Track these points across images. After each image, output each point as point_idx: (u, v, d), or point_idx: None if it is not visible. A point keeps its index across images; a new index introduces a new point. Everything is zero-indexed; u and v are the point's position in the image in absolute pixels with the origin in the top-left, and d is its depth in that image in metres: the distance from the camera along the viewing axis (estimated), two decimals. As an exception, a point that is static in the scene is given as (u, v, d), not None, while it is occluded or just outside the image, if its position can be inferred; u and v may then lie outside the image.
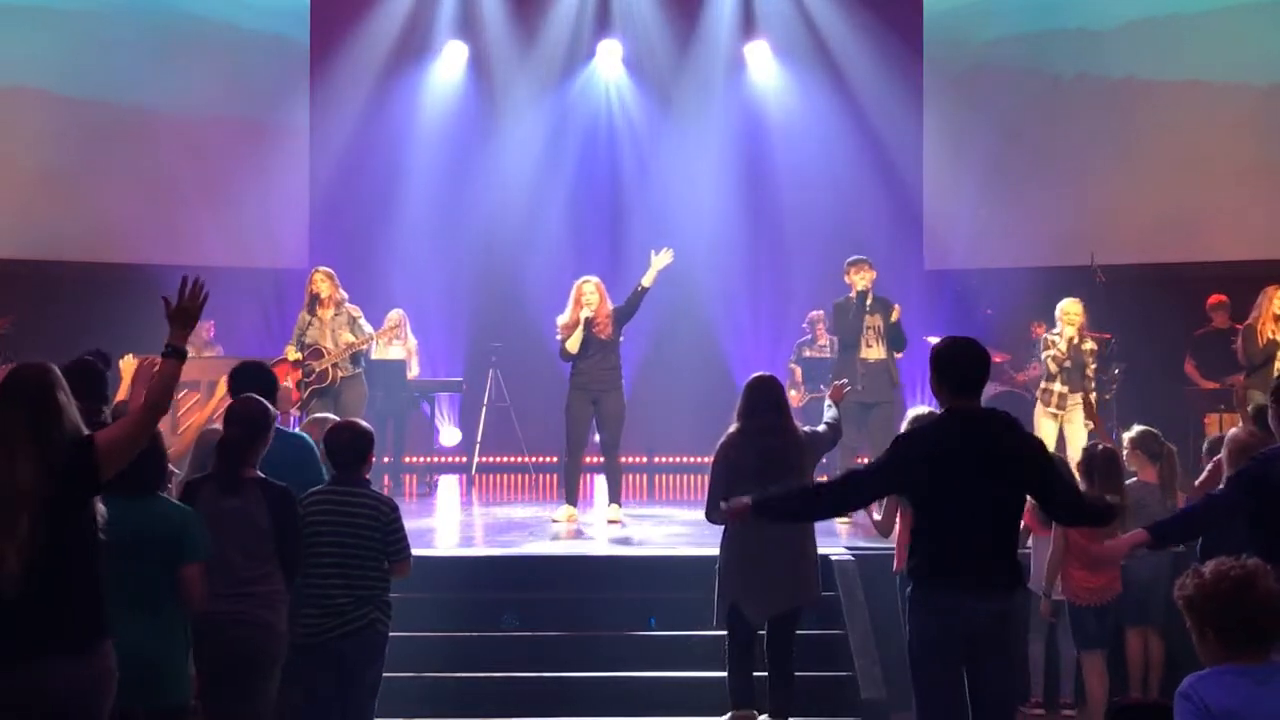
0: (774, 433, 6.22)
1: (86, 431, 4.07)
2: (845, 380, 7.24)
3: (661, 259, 9.38)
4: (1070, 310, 9.88)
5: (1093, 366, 9.82)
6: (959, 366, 4.82)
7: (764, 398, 6.28)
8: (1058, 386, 9.75)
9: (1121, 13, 13.11)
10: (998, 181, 13.18)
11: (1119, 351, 10.93)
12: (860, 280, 9.62)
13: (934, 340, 11.33)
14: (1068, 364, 9.72)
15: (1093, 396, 9.56)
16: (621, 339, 9.54)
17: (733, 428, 6.32)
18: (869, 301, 9.60)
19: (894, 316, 9.56)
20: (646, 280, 9.38)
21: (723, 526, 6.31)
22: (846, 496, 5.06)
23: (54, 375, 4.08)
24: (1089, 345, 9.86)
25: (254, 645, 5.09)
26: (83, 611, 3.99)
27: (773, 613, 6.25)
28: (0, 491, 3.87)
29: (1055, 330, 9.95)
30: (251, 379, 5.85)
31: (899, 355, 9.81)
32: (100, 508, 4.09)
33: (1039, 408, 9.83)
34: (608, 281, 9.72)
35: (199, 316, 4.33)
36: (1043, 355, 9.89)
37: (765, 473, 6.05)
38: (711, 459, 6.40)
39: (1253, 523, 4.96)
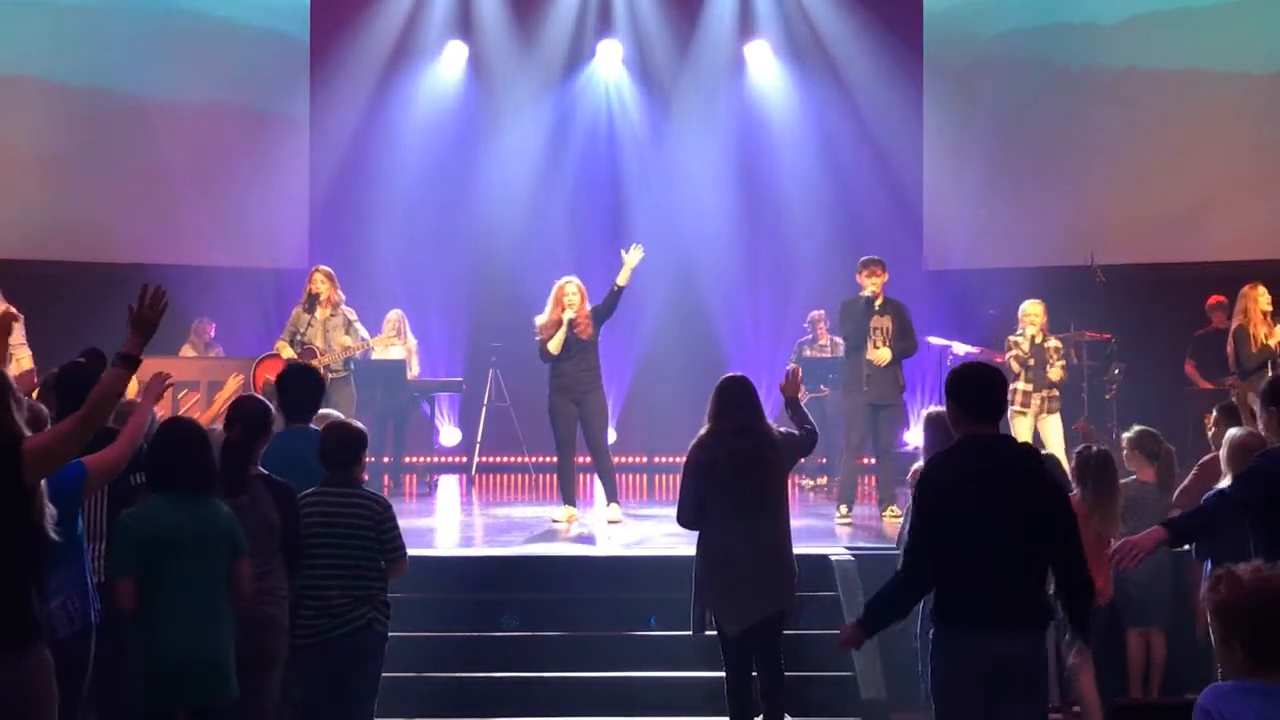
0: (746, 433, 6.07)
1: (28, 433, 4.05)
2: (797, 368, 7.11)
3: (633, 256, 9.32)
4: (1030, 311, 10.12)
5: (1060, 364, 9.94)
6: (975, 392, 4.63)
7: (734, 398, 6.14)
8: (1022, 385, 9.98)
9: (1124, 7, 13.11)
10: (998, 181, 13.17)
11: (1119, 351, 10.94)
12: (871, 283, 9.50)
13: (936, 341, 11.38)
14: (1031, 362, 9.96)
15: (1051, 393, 9.85)
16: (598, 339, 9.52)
17: (704, 429, 6.16)
18: (877, 303, 9.49)
19: (884, 361, 9.40)
20: (621, 279, 9.33)
21: (696, 532, 6.20)
22: (920, 567, 4.64)
23: None
24: (1052, 343, 10.02)
25: (256, 640, 5.10)
26: (12, 612, 3.95)
27: (747, 622, 6.03)
28: None
29: (1019, 331, 10.13)
30: (302, 383, 6.04)
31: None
32: (51, 509, 4.06)
33: (1010, 408, 9.91)
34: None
35: (157, 325, 4.29)
36: (1006, 356, 10.02)
37: (737, 473, 5.99)
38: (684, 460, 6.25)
39: (1255, 522, 4.93)
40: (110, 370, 4.17)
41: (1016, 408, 9.89)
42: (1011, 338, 10.15)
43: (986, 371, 4.78)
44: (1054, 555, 4.58)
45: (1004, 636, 4.47)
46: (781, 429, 6.37)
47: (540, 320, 9.41)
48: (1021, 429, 9.83)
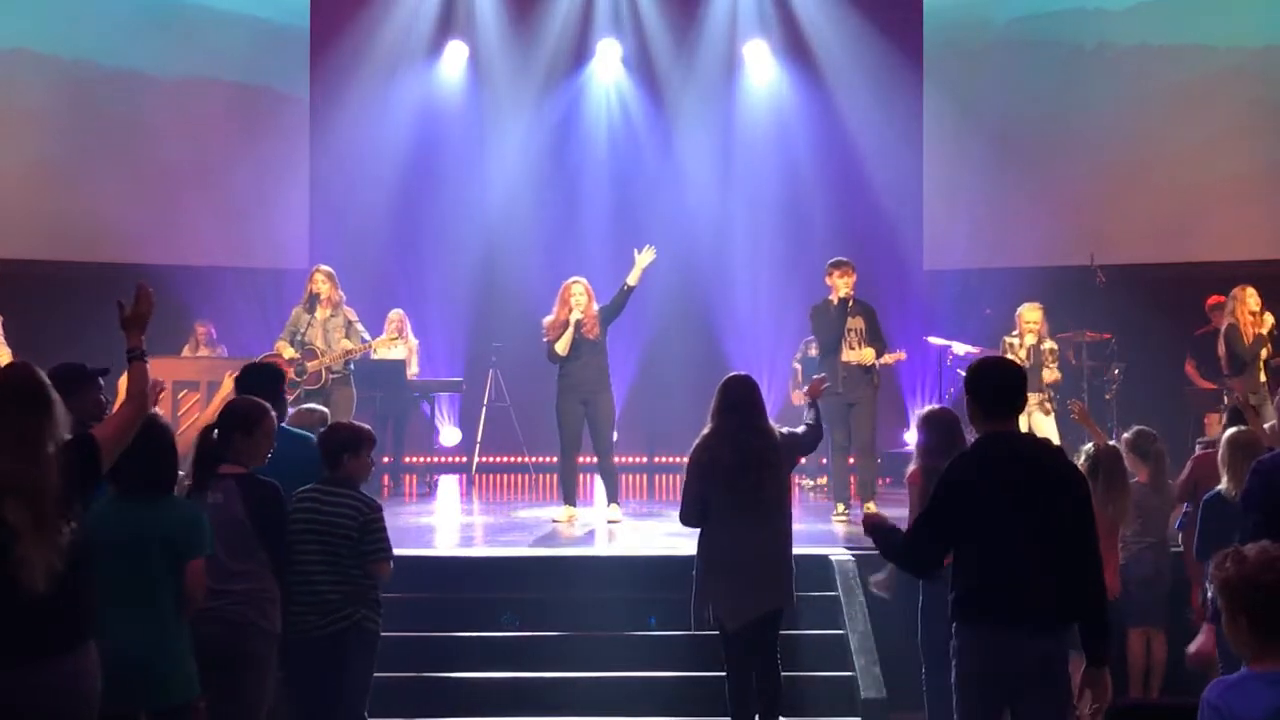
0: (749, 431, 6.07)
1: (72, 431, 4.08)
2: (824, 375, 7.11)
3: (645, 257, 9.34)
4: (1029, 318, 10.00)
5: (1053, 367, 9.87)
6: (994, 388, 4.57)
7: (737, 397, 6.14)
8: None
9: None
10: (998, 181, 13.18)
11: (1119, 351, 10.94)
12: (843, 285, 9.52)
13: (936, 341, 11.34)
14: (1028, 365, 9.77)
15: (1044, 395, 9.73)
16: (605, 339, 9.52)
17: (707, 428, 6.16)
18: (850, 305, 9.52)
19: (869, 360, 9.46)
20: (631, 279, 9.34)
21: (698, 530, 6.21)
22: (925, 552, 4.64)
23: (40, 373, 4.06)
24: (1048, 345, 9.93)
25: (228, 643, 5.05)
26: (85, 610, 3.98)
27: (748, 617, 6.05)
28: (34, 493, 3.83)
29: (1014, 333, 10.03)
30: (256, 380, 5.89)
31: (882, 361, 9.77)
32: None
33: None
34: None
35: (148, 321, 4.40)
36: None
37: (741, 472, 5.98)
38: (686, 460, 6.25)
39: (1257, 533, 4.91)
40: (132, 367, 4.33)
41: None
42: (1007, 339, 10.05)
43: (1003, 366, 4.76)
44: (1071, 552, 4.46)
45: (1027, 636, 4.40)
46: (783, 429, 6.38)
47: (548, 321, 9.41)
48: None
